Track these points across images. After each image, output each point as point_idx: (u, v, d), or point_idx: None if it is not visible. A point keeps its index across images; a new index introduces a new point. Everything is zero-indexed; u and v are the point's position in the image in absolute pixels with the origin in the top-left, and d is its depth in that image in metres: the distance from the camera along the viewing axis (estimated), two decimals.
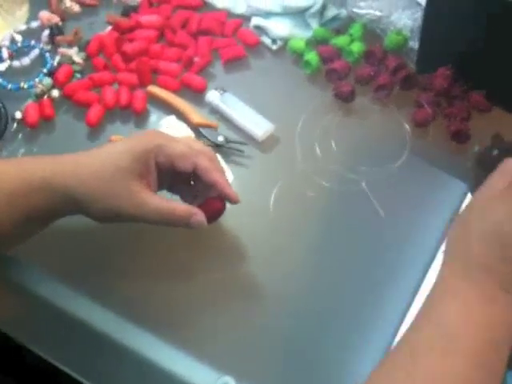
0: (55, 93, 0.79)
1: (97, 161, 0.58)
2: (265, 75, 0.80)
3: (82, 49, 0.83)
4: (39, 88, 0.79)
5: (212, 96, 0.77)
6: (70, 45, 0.83)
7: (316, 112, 0.74)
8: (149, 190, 0.58)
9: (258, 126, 0.73)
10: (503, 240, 0.47)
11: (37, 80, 0.80)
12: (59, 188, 0.57)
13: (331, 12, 0.81)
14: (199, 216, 0.59)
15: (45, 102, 0.77)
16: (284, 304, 0.63)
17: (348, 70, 0.77)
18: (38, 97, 0.78)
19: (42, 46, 0.83)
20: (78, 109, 0.78)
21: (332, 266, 0.65)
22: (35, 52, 0.83)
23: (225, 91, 0.77)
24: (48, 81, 0.80)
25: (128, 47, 0.81)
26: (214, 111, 0.76)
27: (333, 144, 0.72)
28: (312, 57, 0.77)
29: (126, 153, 0.58)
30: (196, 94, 0.78)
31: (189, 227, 0.59)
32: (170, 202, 0.59)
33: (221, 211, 0.62)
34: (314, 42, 0.80)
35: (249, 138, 0.73)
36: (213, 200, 0.62)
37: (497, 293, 0.46)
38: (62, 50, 0.83)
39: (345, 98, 0.75)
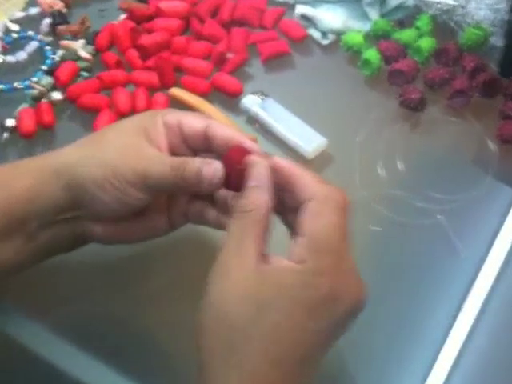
0: (56, 95, 0.67)
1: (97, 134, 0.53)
2: (313, 76, 0.69)
3: (89, 41, 0.72)
4: (37, 89, 0.68)
5: (250, 102, 0.65)
6: (75, 36, 0.72)
7: (377, 123, 0.64)
8: (158, 149, 0.50)
9: (308, 140, 0.62)
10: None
11: (34, 79, 0.69)
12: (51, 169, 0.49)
13: (394, 0, 0.69)
14: (214, 164, 0.47)
15: (43, 107, 0.66)
16: None
17: (416, 71, 0.66)
18: (36, 100, 0.67)
19: (41, 37, 0.73)
20: (83, 115, 0.67)
21: (394, 316, 0.55)
22: (33, 45, 0.72)
23: (266, 96, 0.65)
24: (48, 80, 0.69)
25: (146, 40, 0.69)
26: (252, 120, 0.65)
27: (398, 164, 0.62)
28: (372, 54, 0.66)
29: (129, 119, 0.53)
30: (229, 99, 0.67)
31: (203, 184, 0.47)
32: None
33: (240, 161, 0.48)
34: (373, 37, 0.69)
35: (295, 155, 0.63)
36: (229, 150, 0.49)
37: None
38: (65, 42, 0.72)
39: (413, 107, 0.64)
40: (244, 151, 0.47)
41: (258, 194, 0.44)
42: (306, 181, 0.44)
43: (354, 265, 0.44)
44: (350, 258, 0.43)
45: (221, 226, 0.51)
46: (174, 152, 0.50)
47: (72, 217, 0.50)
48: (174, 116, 0.50)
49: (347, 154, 0.62)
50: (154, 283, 0.57)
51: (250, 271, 0.41)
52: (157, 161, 0.48)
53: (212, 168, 0.47)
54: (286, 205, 0.46)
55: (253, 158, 0.46)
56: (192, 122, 0.50)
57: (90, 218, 0.50)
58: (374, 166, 0.61)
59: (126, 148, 0.48)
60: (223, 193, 0.49)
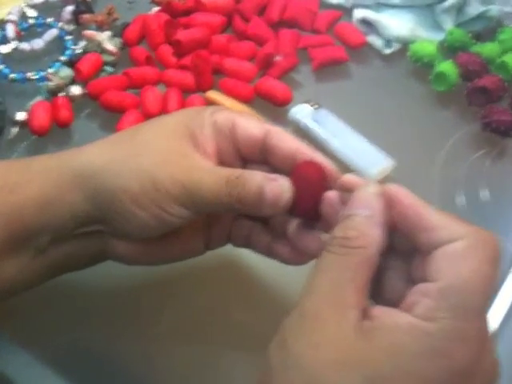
0: (76, 89, 0.59)
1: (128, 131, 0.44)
2: (372, 89, 0.61)
3: (117, 33, 0.64)
4: (54, 81, 0.60)
5: (300, 112, 0.57)
6: (100, 27, 0.65)
7: (456, 148, 0.55)
8: (205, 156, 0.41)
9: (371, 160, 0.53)
10: None
11: (51, 70, 0.61)
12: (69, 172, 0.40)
13: (474, 9, 0.62)
14: (281, 181, 0.38)
15: (60, 101, 0.58)
16: None
17: (503, 90, 0.57)
18: (52, 93, 0.60)
19: (61, 25, 0.66)
20: (105, 114, 0.59)
21: None
22: (52, 33, 0.65)
23: (319, 106, 0.57)
24: (67, 72, 0.61)
25: (182, 35, 0.61)
26: (302, 133, 0.57)
27: (482, 195, 0.53)
28: (448, 68, 0.57)
29: (169, 116, 0.44)
30: (275, 108, 0.58)
31: (264, 207, 0.38)
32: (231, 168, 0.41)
33: (319, 179, 0.38)
34: (446, 49, 0.61)
35: None
36: (302, 165, 0.39)
37: None
38: (88, 32, 0.64)
39: (502, 131, 0.55)
40: (320, 169, 0.38)
41: (369, 227, 0.33)
42: (441, 218, 0.33)
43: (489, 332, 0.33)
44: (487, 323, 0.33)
45: (272, 254, 0.42)
46: (221, 161, 0.41)
47: (92, 231, 0.41)
48: (227, 116, 0.41)
49: (420, 182, 0.53)
50: (165, 316, 0.48)
51: (350, 328, 0.31)
52: (208, 172, 0.39)
53: (278, 186, 0.37)
54: (394, 246, 0.36)
55: (357, 179, 0.36)
56: (249, 126, 0.41)
57: (114, 235, 0.41)
58: (452, 196, 0.53)
59: (169, 153, 0.39)
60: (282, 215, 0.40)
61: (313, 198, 0.37)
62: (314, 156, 0.39)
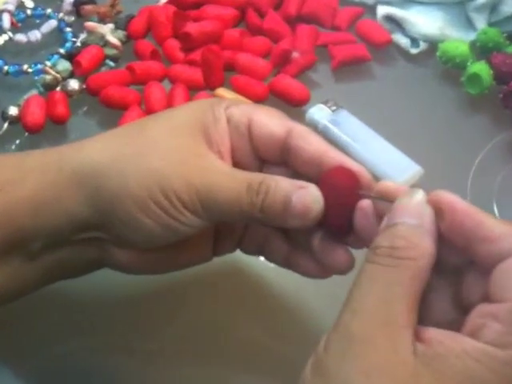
0: (74, 84, 0.56)
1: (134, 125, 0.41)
2: (398, 90, 0.58)
3: (120, 26, 0.61)
4: (51, 75, 0.56)
5: (318, 113, 0.53)
6: (102, 19, 0.61)
7: (491, 157, 0.52)
8: (220, 156, 0.38)
9: (397, 166, 0.50)
10: None
11: (48, 63, 0.58)
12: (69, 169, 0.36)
13: (510, 7, 0.58)
14: (311, 189, 0.34)
15: (57, 97, 0.55)
16: None
17: None
18: (48, 88, 0.56)
19: (61, 16, 0.62)
20: (105, 111, 0.55)
21: None
22: (51, 24, 0.62)
23: (339, 107, 0.53)
24: (65, 66, 0.57)
25: (192, 28, 0.58)
26: (320, 136, 0.52)
27: None
28: (482, 69, 0.54)
29: (179, 109, 0.40)
30: (291, 108, 0.55)
31: (291, 219, 0.34)
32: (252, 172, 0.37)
33: (351, 188, 0.34)
34: (479, 49, 0.57)
35: None
36: (333, 171, 0.35)
37: None
38: (90, 24, 0.60)
39: None
40: (352, 176, 0.34)
41: (419, 237, 0.29)
42: (505, 228, 0.29)
43: None
44: None
45: (290, 266, 0.38)
46: (235, 162, 0.37)
47: (90, 238, 0.37)
48: (243, 110, 0.37)
49: (448, 191, 0.49)
50: (164, 331, 0.44)
51: (407, 353, 0.27)
52: (226, 176, 0.35)
53: (308, 196, 0.34)
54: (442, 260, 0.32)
55: (397, 186, 0.32)
56: (268, 123, 0.37)
57: (116, 243, 0.37)
58: (484, 207, 0.47)
59: (180, 152, 0.35)
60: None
61: (345, 209, 0.33)
62: (345, 161, 0.35)
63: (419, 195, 0.31)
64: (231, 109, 0.37)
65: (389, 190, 0.32)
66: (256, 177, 0.35)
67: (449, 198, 0.30)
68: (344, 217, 0.33)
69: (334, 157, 0.35)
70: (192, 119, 0.37)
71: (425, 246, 0.29)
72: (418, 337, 0.28)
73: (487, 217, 0.30)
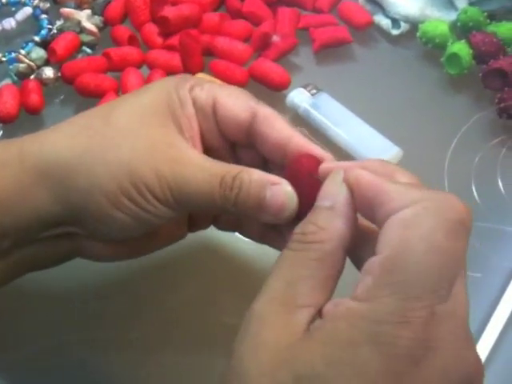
0: (48, 72, 0.56)
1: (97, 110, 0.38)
2: (379, 72, 0.58)
3: (97, 11, 0.61)
4: (24, 63, 0.56)
5: (298, 96, 0.53)
6: (79, 5, 0.61)
7: (470, 136, 0.52)
8: (191, 142, 0.37)
9: (377, 149, 0.50)
10: None
11: (23, 51, 0.57)
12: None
13: None
14: (284, 186, 0.34)
15: (30, 85, 0.54)
16: None
17: None
18: (22, 76, 0.56)
19: (36, 3, 0.62)
20: (82, 100, 0.55)
21: None
22: (26, 11, 0.62)
23: (319, 90, 0.54)
24: (40, 53, 0.57)
25: (169, 12, 0.58)
26: (300, 120, 0.54)
27: (496, 187, 0.50)
28: (462, 49, 0.54)
29: (144, 91, 0.38)
30: (272, 93, 0.55)
31: (265, 215, 0.34)
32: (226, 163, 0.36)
33: (310, 171, 0.34)
34: (460, 29, 0.58)
35: None
36: (299, 159, 0.35)
37: None
38: (66, 10, 0.60)
39: None
40: (315, 162, 0.34)
41: (330, 220, 0.30)
42: (400, 189, 0.29)
43: (466, 319, 0.29)
44: (461, 306, 0.28)
45: (265, 241, 0.39)
46: (205, 145, 0.37)
47: (61, 234, 0.37)
48: (207, 91, 0.37)
49: (428, 171, 0.50)
50: (139, 321, 0.44)
51: (298, 329, 0.28)
52: (199, 168, 0.34)
53: (282, 194, 0.34)
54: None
55: (325, 167, 0.33)
56: (232, 106, 0.36)
57: (89, 236, 0.37)
58: (466, 188, 0.49)
59: (149, 143, 0.35)
60: None
61: (311, 197, 0.33)
62: (309, 147, 0.35)
63: (337, 176, 0.31)
64: (196, 90, 0.37)
65: (327, 172, 0.32)
66: (230, 170, 0.34)
67: (355, 173, 0.31)
68: (310, 204, 0.33)
69: (299, 142, 0.35)
70: (160, 104, 0.36)
71: (333, 229, 0.30)
72: (321, 312, 0.29)
73: (389, 184, 0.30)
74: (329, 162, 0.34)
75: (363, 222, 0.32)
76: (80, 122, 0.37)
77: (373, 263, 0.28)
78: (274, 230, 0.38)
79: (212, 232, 0.41)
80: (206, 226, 0.41)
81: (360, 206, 0.30)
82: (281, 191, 0.34)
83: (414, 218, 0.27)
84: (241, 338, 0.29)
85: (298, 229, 0.31)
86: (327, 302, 0.29)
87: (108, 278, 0.45)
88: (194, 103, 0.37)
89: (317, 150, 0.35)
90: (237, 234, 0.41)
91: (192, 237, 0.41)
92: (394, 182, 0.30)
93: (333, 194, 0.31)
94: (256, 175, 0.34)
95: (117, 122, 0.36)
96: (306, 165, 0.34)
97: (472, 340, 0.29)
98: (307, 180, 0.33)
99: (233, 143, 0.38)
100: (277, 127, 0.36)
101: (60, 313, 0.45)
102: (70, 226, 0.36)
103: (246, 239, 0.40)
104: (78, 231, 0.37)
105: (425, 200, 0.28)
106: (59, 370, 0.43)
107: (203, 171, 0.34)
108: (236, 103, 0.37)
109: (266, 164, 0.38)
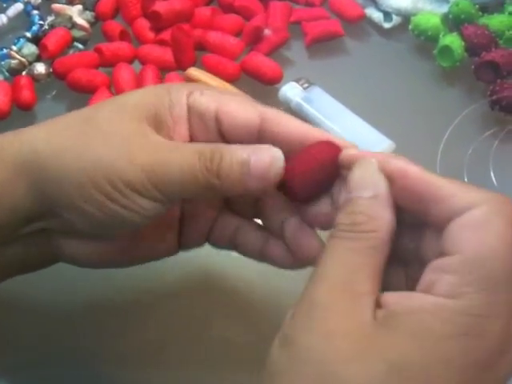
0: (40, 68, 0.56)
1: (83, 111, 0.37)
2: (371, 66, 0.58)
3: (89, 7, 0.61)
4: (16, 59, 0.56)
5: (291, 90, 0.54)
6: (70, 1, 0.62)
7: (462, 129, 0.52)
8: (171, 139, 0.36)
9: (369, 142, 0.50)
10: None
11: (14, 47, 0.57)
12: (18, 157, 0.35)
13: None
14: (271, 150, 0.33)
15: (22, 81, 0.55)
16: None
17: None
18: (14, 72, 0.56)
19: None
20: (74, 95, 0.56)
21: None
22: (17, 7, 0.62)
23: (311, 84, 0.54)
24: (31, 49, 0.57)
25: (161, 7, 0.58)
26: (293, 114, 0.50)
27: (488, 179, 0.50)
28: (454, 41, 0.54)
29: (130, 94, 0.38)
30: (264, 87, 0.55)
31: (250, 182, 0.33)
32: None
33: (333, 156, 0.33)
34: (452, 22, 0.58)
35: None
36: (318, 144, 0.34)
37: None
38: (57, 6, 0.61)
39: (511, 109, 0.52)
40: (336, 148, 0.33)
41: (377, 209, 0.30)
42: (453, 187, 0.30)
43: None
44: None
45: (264, 257, 0.38)
46: None
47: (39, 230, 0.36)
48: (209, 98, 0.36)
49: (420, 164, 0.49)
50: (130, 332, 0.44)
51: (367, 316, 0.28)
52: (175, 149, 0.34)
53: (267, 153, 0.33)
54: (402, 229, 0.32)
55: (349, 154, 0.33)
56: (241, 112, 0.35)
57: (63, 233, 0.36)
58: (455, 178, 0.49)
59: (122, 135, 0.34)
60: (279, 204, 0.36)
61: (325, 184, 0.33)
62: (330, 136, 0.34)
63: (372, 165, 0.31)
64: (195, 95, 0.36)
65: (351, 160, 0.32)
66: (206, 144, 0.34)
67: (398, 163, 0.31)
68: (319, 186, 0.34)
69: (318, 134, 0.34)
70: (141, 103, 0.35)
71: (383, 217, 0.30)
72: (379, 304, 0.29)
73: (437, 178, 0.30)
74: (351, 149, 0.33)
75: None
76: (60, 120, 0.36)
77: (450, 263, 0.28)
78: (274, 242, 0.37)
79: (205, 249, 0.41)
80: (199, 243, 0.39)
81: (403, 198, 0.31)
82: (266, 152, 0.33)
83: (486, 219, 0.28)
84: (302, 325, 0.29)
85: (345, 220, 0.30)
86: (379, 289, 0.29)
87: (105, 289, 0.45)
88: (192, 107, 0.36)
89: (337, 139, 0.35)
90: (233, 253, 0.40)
91: (187, 255, 0.40)
92: (443, 177, 0.30)
93: (373, 183, 0.31)
94: (235, 146, 0.34)
95: (94, 120, 0.35)
96: (325, 149, 0.33)
97: None
98: (326, 163, 0.33)
99: None
100: (291, 125, 0.35)
101: (59, 318, 0.45)
102: (46, 221, 0.36)
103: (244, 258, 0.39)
104: (51, 226, 0.36)
105: (489, 201, 0.29)
106: (59, 372, 0.43)
107: (178, 151, 0.34)
108: (243, 108, 0.35)
109: None
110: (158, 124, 0.35)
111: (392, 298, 0.29)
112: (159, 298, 0.45)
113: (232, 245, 0.39)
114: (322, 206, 0.35)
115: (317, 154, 0.33)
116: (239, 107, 0.35)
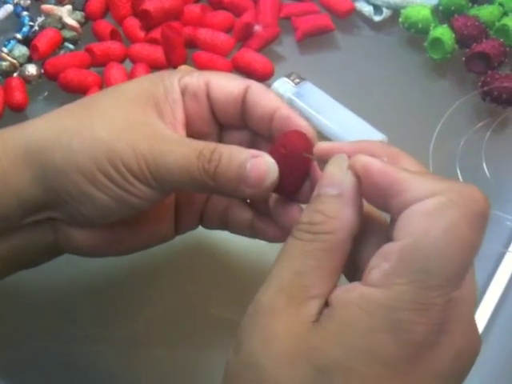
0: (31, 69, 0.56)
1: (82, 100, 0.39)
2: (362, 60, 0.59)
3: (78, 7, 0.61)
4: (7, 61, 0.56)
5: (282, 86, 0.54)
6: (59, 1, 0.62)
7: (454, 121, 0.52)
8: (172, 126, 0.38)
9: (360, 136, 0.50)
10: None
11: (5, 49, 0.57)
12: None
13: None
14: (265, 158, 0.34)
15: (14, 83, 0.55)
16: None
17: (504, 55, 0.54)
18: (5, 74, 0.57)
19: (17, 0, 0.62)
20: (66, 96, 0.56)
21: None
22: (7, 9, 0.62)
23: (302, 79, 0.54)
24: (22, 51, 0.57)
25: (150, 5, 0.58)
26: None
27: (481, 170, 0.50)
28: (444, 33, 0.55)
29: (130, 82, 0.40)
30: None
31: (245, 188, 0.34)
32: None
33: (300, 149, 0.34)
34: (442, 14, 0.58)
35: None
36: (288, 135, 0.35)
37: None
38: (47, 7, 0.61)
39: (503, 100, 0.53)
40: (307, 142, 0.34)
41: (338, 209, 0.30)
42: (415, 178, 0.29)
43: (473, 303, 0.30)
44: (470, 291, 0.29)
45: (254, 233, 0.39)
46: (192, 131, 0.38)
47: (43, 220, 0.37)
48: (199, 77, 0.37)
49: (415, 156, 0.50)
50: (138, 316, 0.45)
51: (308, 320, 0.28)
52: (176, 143, 0.35)
53: (263, 164, 0.34)
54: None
55: (321, 148, 0.33)
56: (227, 84, 0.37)
57: (68, 222, 0.37)
58: (451, 172, 0.50)
59: (127, 122, 0.35)
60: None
61: (299, 177, 0.34)
62: (295, 118, 0.35)
63: (341, 162, 0.31)
64: (185, 78, 0.38)
65: (325, 153, 0.32)
66: (208, 144, 0.35)
67: (363, 160, 0.30)
68: (297, 180, 0.34)
69: (284, 112, 0.36)
70: (142, 92, 0.37)
71: (343, 218, 0.30)
72: (327, 304, 0.29)
73: (400, 172, 0.30)
74: (324, 143, 0.33)
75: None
76: (62, 109, 0.38)
77: (390, 250, 0.28)
78: (262, 217, 0.38)
79: (202, 232, 0.42)
80: (193, 226, 0.41)
81: (368, 194, 0.30)
82: (262, 161, 0.34)
83: (438, 208, 0.28)
84: (248, 330, 0.29)
85: (305, 217, 0.30)
86: (334, 288, 0.29)
87: (105, 276, 0.46)
88: (185, 91, 0.37)
89: (301, 121, 0.35)
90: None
91: (182, 238, 0.41)
92: (407, 171, 0.30)
93: (339, 180, 0.30)
94: (235, 148, 0.35)
95: (96, 105, 0.37)
96: (295, 141, 0.34)
97: (476, 322, 0.30)
98: (296, 157, 0.33)
99: (221, 129, 0.38)
100: (266, 98, 0.36)
101: (58, 312, 0.45)
102: (49, 209, 0.37)
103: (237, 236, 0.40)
104: (58, 216, 0.37)
105: (448, 191, 0.28)
106: (59, 369, 0.44)
107: (180, 145, 0.35)
108: (230, 81, 0.38)
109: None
110: (158, 111, 0.37)
111: (335, 292, 0.29)
112: (159, 282, 0.46)
113: (223, 224, 0.40)
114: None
115: (288, 152, 0.34)
116: (226, 80, 0.38)
